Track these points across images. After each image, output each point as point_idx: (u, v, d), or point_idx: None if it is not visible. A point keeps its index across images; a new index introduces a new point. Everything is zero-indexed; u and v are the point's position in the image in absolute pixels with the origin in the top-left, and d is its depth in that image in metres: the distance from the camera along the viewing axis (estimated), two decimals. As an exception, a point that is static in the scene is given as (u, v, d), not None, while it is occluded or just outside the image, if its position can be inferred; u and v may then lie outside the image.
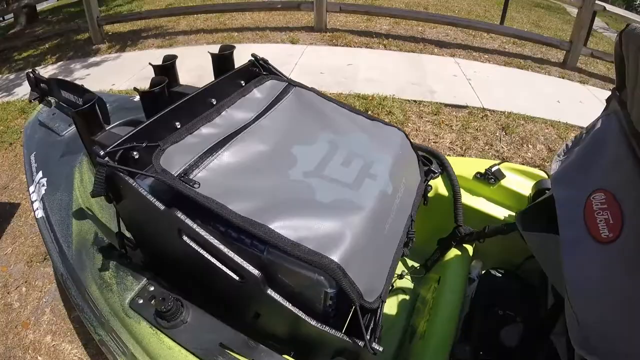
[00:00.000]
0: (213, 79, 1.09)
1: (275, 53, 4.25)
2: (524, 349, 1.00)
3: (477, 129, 3.10)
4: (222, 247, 0.74)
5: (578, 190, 0.75)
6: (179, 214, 0.75)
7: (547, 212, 0.84)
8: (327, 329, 0.75)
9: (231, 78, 1.09)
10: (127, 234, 0.95)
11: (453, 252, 1.21)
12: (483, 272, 1.25)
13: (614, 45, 0.78)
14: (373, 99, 3.36)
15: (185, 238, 0.77)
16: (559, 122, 3.30)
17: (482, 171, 1.25)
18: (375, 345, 0.75)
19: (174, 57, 1.16)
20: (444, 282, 1.13)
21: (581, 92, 4.02)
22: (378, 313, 0.79)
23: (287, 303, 0.75)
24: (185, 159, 0.81)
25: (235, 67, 1.14)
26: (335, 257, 0.69)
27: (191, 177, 0.78)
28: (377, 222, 0.83)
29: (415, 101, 3.41)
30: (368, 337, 0.74)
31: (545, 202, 0.90)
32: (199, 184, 0.76)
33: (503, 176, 1.23)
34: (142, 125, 0.86)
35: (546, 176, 1.19)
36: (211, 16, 5.49)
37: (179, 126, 0.92)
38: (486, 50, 4.79)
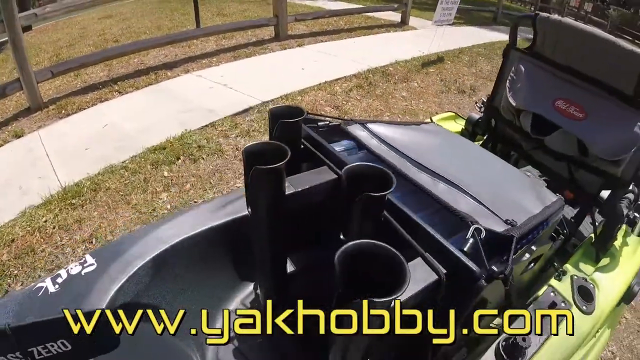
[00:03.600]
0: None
1: (11, 158, 3.05)
2: None
3: (277, 121, 3.32)
4: None
5: (545, 104, 1.21)
6: None
7: (540, 122, 1.25)
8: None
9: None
10: None
11: None
12: None
13: (514, 22, 1.34)
14: (171, 142, 3.06)
15: None
16: (320, 83, 3.90)
17: None
18: None
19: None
20: None
21: (307, 53, 4.74)
22: None
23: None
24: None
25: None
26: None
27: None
28: None
29: (208, 125, 3.33)
30: None
31: (534, 117, 1.29)
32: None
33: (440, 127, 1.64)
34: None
35: (454, 114, 1.76)
36: None
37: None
38: (211, 54, 4.97)
